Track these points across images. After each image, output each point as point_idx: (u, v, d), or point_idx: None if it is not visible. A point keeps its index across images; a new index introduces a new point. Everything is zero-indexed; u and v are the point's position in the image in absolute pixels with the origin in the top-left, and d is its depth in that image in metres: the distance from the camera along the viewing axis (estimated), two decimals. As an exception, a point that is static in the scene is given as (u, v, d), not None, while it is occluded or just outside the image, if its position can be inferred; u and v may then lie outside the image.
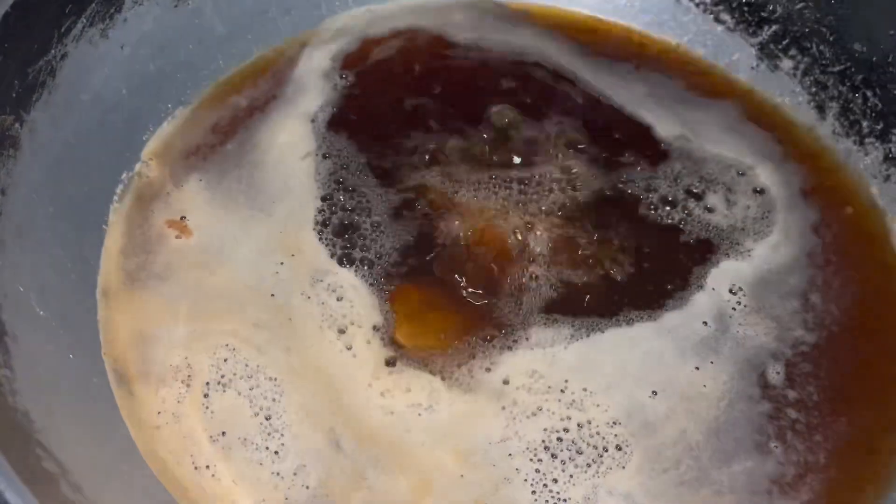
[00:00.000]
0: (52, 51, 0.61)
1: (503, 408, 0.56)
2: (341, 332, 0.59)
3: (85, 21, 0.64)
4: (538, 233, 0.64)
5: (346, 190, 0.66)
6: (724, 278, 0.63)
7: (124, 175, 0.66)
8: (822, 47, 0.75)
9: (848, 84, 0.74)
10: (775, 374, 0.59)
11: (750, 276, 0.64)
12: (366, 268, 0.62)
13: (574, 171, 0.69)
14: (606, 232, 0.65)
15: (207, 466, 0.53)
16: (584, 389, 0.57)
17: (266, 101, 0.72)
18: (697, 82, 0.77)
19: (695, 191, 0.68)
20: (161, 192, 0.66)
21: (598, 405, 0.56)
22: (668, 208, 0.67)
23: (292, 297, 0.60)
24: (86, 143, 0.64)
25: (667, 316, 0.61)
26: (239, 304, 0.59)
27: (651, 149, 0.71)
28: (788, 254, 0.65)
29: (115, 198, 0.65)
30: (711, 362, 0.59)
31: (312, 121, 0.70)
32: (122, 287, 0.60)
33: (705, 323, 0.61)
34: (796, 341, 0.61)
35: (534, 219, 0.65)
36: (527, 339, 0.59)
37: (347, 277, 0.61)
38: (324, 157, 0.68)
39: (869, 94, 0.72)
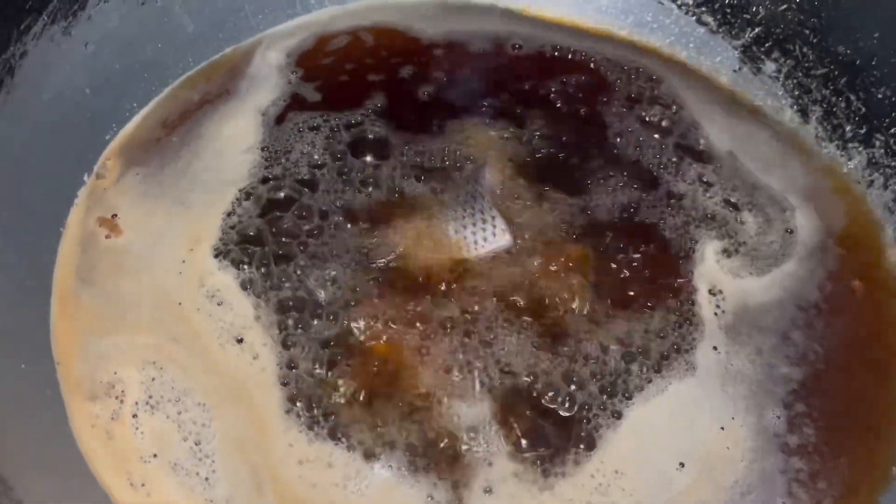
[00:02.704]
0: (11, 48, 0.60)
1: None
2: (239, 341, 0.57)
3: (46, 18, 0.62)
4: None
5: (276, 188, 0.63)
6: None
7: (86, 177, 0.64)
8: (805, 50, 0.73)
9: (831, 87, 0.72)
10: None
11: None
12: (244, 269, 0.59)
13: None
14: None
15: (143, 485, 0.52)
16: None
17: (218, 95, 0.70)
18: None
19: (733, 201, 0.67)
20: (98, 189, 0.63)
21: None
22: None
23: (191, 306, 0.58)
24: (46, 145, 0.62)
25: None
26: (157, 315, 0.57)
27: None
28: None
29: (76, 201, 0.63)
30: (732, 418, 0.57)
31: (263, 114, 0.67)
32: (71, 293, 0.58)
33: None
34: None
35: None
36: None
37: (222, 279, 0.58)
38: (264, 150, 0.65)
39: (853, 97, 0.71)
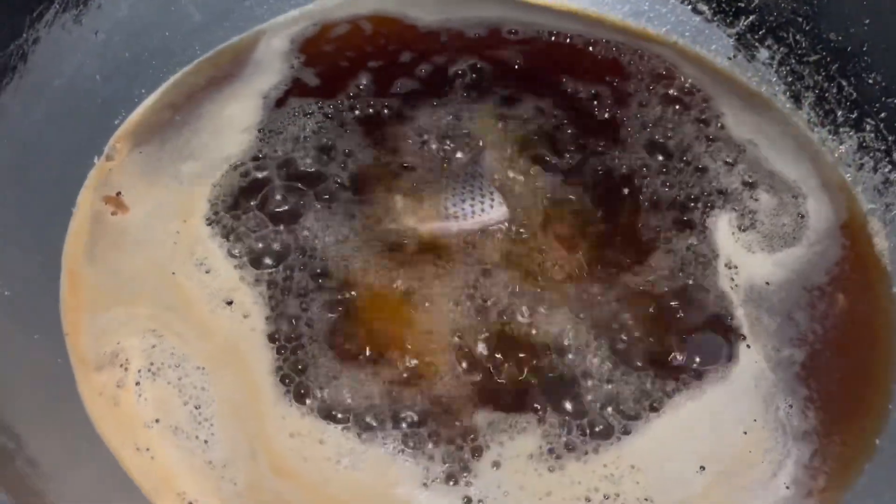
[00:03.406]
0: (24, 35, 0.62)
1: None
2: (228, 303, 0.59)
3: (58, 6, 0.64)
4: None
5: (266, 168, 0.65)
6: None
7: (95, 159, 0.66)
8: (798, 37, 0.75)
9: (823, 73, 0.74)
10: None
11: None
12: (231, 241, 0.61)
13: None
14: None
15: (147, 449, 0.53)
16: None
17: (223, 78, 0.72)
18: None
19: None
20: (105, 170, 0.66)
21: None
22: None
23: (183, 275, 0.60)
24: (57, 129, 0.64)
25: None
26: (153, 286, 0.59)
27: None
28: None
29: (85, 181, 0.65)
30: (755, 420, 0.57)
31: (264, 97, 0.69)
32: (78, 269, 0.60)
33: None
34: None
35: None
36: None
37: (210, 247, 0.61)
38: (261, 131, 0.67)
39: (844, 83, 0.72)
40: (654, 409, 0.57)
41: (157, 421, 0.54)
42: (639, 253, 0.63)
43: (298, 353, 0.57)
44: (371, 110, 0.69)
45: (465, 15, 0.77)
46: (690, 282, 0.62)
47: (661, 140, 0.70)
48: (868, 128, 0.71)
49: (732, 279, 0.63)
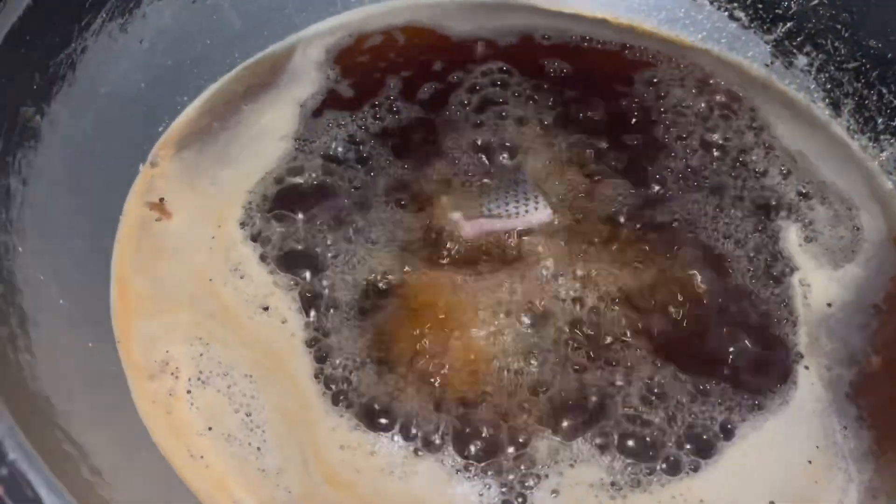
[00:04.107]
0: (73, 44, 0.62)
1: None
2: (265, 309, 0.59)
3: (105, 16, 0.65)
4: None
5: (301, 175, 0.66)
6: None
7: (141, 166, 0.67)
8: (836, 44, 0.75)
9: (863, 80, 0.74)
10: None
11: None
12: (265, 246, 0.62)
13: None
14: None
15: (202, 456, 0.54)
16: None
17: (261, 86, 0.73)
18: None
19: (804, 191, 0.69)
20: (150, 177, 0.66)
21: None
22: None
23: (219, 281, 0.61)
24: (104, 136, 0.64)
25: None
26: (193, 292, 0.60)
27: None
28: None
29: (132, 188, 0.65)
30: (817, 447, 0.57)
31: (301, 106, 0.71)
32: (127, 276, 0.61)
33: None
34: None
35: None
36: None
37: (244, 252, 0.62)
38: (297, 140, 0.68)
39: (884, 90, 0.72)
40: (724, 438, 0.56)
41: (209, 429, 0.55)
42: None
43: (339, 360, 0.57)
44: (406, 120, 0.70)
45: (497, 24, 0.78)
46: (761, 298, 0.62)
47: (713, 143, 0.70)
48: (910, 135, 0.71)
49: (805, 297, 0.63)
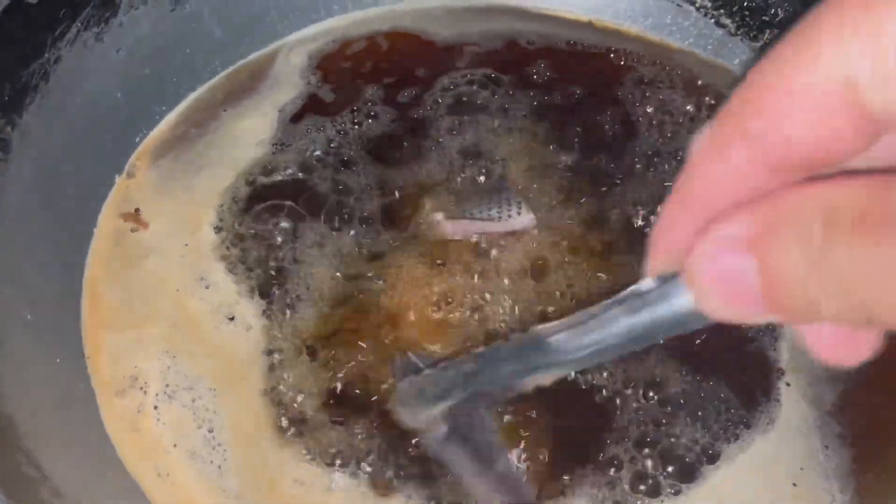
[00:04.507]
0: (46, 54, 0.62)
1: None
2: (230, 319, 0.59)
3: (80, 25, 0.64)
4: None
5: (275, 179, 0.65)
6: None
7: (117, 178, 0.66)
8: (823, 51, 0.74)
9: (849, 89, 0.73)
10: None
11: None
12: (232, 252, 0.61)
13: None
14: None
15: (168, 474, 0.53)
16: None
17: (241, 91, 0.72)
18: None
19: None
20: (125, 187, 0.66)
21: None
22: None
23: (185, 292, 0.60)
24: (79, 147, 0.64)
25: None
26: (161, 304, 0.59)
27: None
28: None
29: (107, 200, 0.65)
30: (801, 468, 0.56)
31: (280, 111, 0.70)
32: (98, 289, 0.60)
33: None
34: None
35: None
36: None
37: (212, 264, 0.61)
38: (274, 145, 0.68)
39: (870, 98, 0.71)
40: (708, 462, 0.55)
41: (175, 446, 0.54)
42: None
43: (292, 382, 0.56)
44: (386, 125, 0.69)
45: (482, 29, 0.77)
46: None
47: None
48: None
49: None
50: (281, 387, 0.56)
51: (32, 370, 0.53)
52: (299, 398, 0.56)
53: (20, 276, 0.56)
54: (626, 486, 0.53)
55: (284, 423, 0.55)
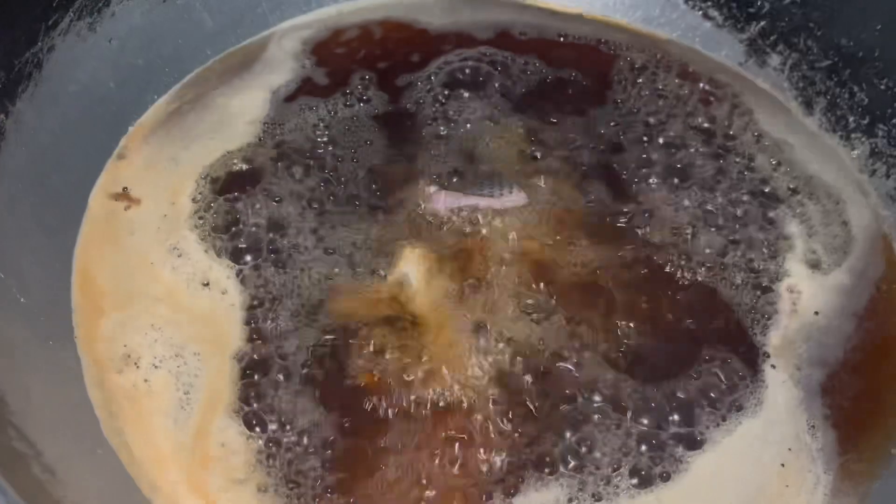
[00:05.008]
0: (39, 43, 0.63)
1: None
2: (205, 285, 0.60)
3: (73, 15, 0.65)
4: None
5: (262, 157, 0.66)
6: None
7: (108, 162, 0.67)
8: (809, 42, 0.75)
9: (835, 79, 0.73)
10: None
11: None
12: (206, 222, 0.62)
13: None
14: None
15: (153, 444, 0.54)
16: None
17: (234, 73, 0.73)
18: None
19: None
20: (114, 169, 0.66)
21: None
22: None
23: (160, 264, 0.61)
24: (72, 135, 0.65)
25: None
26: (141, 279, 0.60)
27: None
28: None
29: (98, 183, 0.65)
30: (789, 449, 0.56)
31: (273, 93, 0.71)
32: (88, 271, 0.61)
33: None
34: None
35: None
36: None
37: (187, 234, 0.62)
38: (266, 124, 0.68)
39: (856, 88, 0.72)
40: (693, 448, 0.55)
41: (160, 412, 0.55)
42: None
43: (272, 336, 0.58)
44: (377, 109, 0.70)
45: (475, 18, 0.78)
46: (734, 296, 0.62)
47: (700, 129, 0.71)
48: (880, 133, 0.71)
49: (794, 304, 0.62)
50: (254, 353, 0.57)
51: (25, 352, 0.53)
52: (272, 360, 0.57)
53: (12, 261, 0.57)
54: (611, 472, 0.54)
55: (246, 391, 0.56)
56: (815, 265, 0.64)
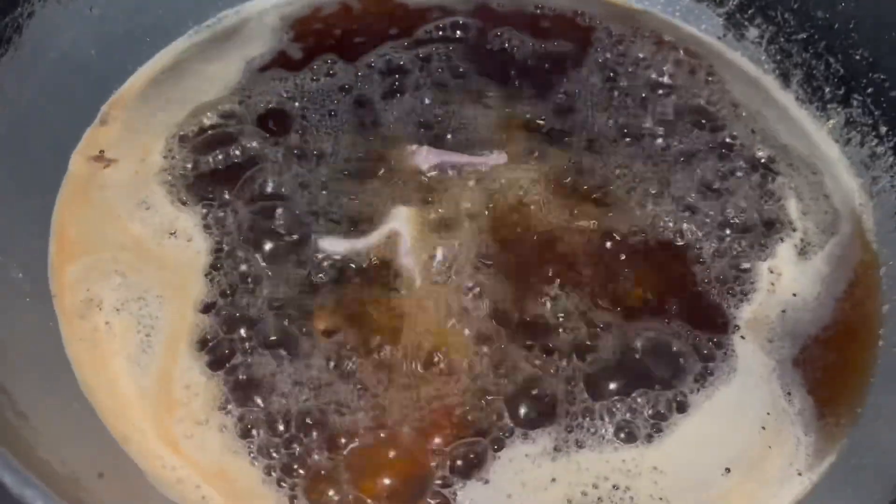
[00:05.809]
0: (19, 8, 0.63)
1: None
2: (172, 233, 0.61)
3: (52, -20, 0.65)
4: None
5: (232, 119, 0.67)
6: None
7: (88, 129, 0.67)
8: (786, 15, 0.75)
9: (811, 51, 0.74)
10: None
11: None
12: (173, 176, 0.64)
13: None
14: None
15: (116, 388, 0.55)
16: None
17: (212, 43, 0.74)
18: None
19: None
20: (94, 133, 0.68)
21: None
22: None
23: (127, 216, 0.63)
24: (51, 101, 0.65)
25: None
26: (108, 231, 0.62)
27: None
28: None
29: (77, 147, 0.66)
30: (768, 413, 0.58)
31: (247, 62, 0.72)
32: (66, 230, 0.62)
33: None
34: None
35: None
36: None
37: (154, 188, 0.64)
38: (238, 90, 0.70)
39: (831, 59, 0.73)
40: (678, 410, 0.56)
41: (119, 354, 0.56)
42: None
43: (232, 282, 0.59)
44: (351, 81, 0.71)
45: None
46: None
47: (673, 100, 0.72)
48: (855, 103, 0.72)
49: (773, 284, 0.63)
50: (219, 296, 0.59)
51: (2, 307, 0.54)
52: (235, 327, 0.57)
53: (-8, 222, 0.57)
54: (602, 431, 0.55)
55: (204, 335, 0.57)
56: (802, 251, 0.65)
